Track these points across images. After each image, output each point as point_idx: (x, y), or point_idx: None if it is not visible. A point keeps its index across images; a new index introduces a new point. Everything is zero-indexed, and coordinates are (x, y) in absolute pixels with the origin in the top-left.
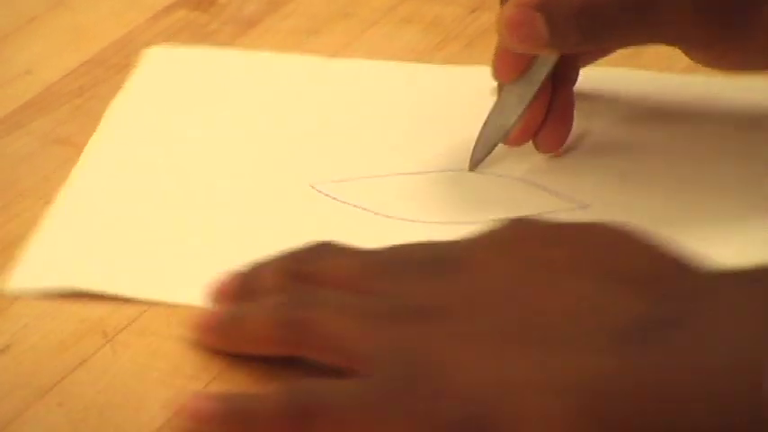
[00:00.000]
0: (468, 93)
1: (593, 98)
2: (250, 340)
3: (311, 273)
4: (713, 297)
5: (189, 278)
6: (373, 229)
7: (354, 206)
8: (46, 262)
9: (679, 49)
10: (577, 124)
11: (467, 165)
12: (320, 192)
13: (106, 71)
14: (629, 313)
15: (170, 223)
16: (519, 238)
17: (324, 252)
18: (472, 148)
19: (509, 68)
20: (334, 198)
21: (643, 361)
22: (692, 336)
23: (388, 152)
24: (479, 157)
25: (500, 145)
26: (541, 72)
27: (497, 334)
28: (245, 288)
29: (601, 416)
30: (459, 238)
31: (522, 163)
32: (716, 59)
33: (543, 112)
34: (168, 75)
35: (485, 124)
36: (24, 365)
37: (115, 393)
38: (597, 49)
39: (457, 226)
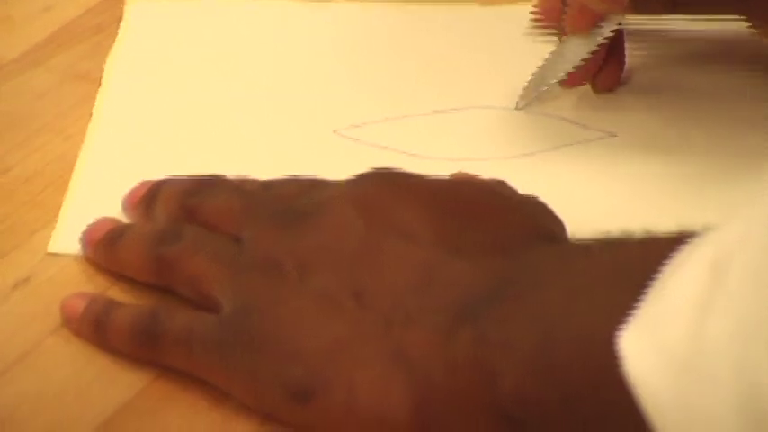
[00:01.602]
0: (489, 34)
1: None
2: (124, 264)
3: (193, 206)
4: (540, 271)
5: None
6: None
7: (383, 147)
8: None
9: (759, 28)
10: None
11: (494, 103)
12: (344, 136)
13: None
14: (464, 291)
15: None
16: (378, 195)
17: (209, 187)
18: (524, 87)
19: (583, 22)
20: (362, 141)
21: (473, 338)
22: (514, 311)
23: (409, 94)
24: (530, 98)
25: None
26: (610, 28)
27: (332, 297)
28: (146, 201)
29: (430, 393)
30: (334, 183)
31: (553, 100)
32: None
33: (602, 56)
34: (165, 27)
35: (542, 66)
36: (43, 297)
37: None
38: None
39: (487, 161)
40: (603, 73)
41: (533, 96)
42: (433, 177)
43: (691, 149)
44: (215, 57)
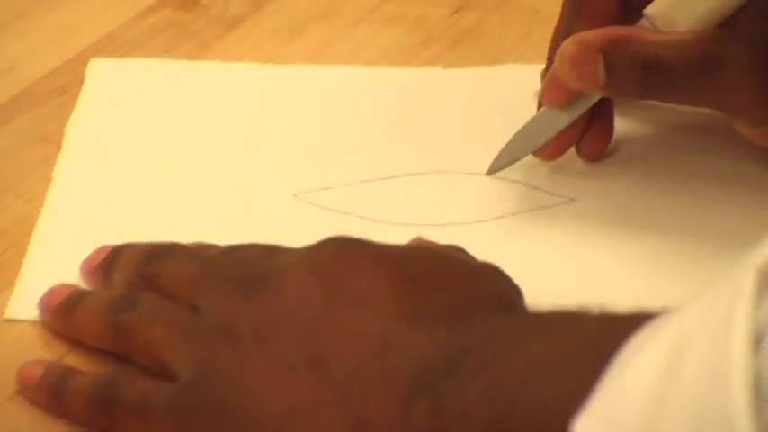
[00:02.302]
0: (449, 96)
1: None
2: (82, 333)
3: (150, 274)
4: (500, 341)
5: None
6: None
7: (344, 213)
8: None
9: (730, 118)
10: None
11: (456, 167)
12: (305, 201)
13: None
14: (422, 360)
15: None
16: (333, 262)
17: (168, 254)
18: (498, 154)
19: (558, 97)
20: (321, 206)
21: (430, 409)
22: (473, 383)
23: (371, 158)
24: (503, 165)
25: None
26: (587, 104)
27: (289, 365)
28: (105, 267)
29: None
30: (292, 250)
31: (524, 165)
32: (763, 137)
33: (582, 130)
34: (127, 89)
35: (517, 134)
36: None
37: None
38: None
39: (445, 227)
40: (589, 140)
41: (506, 164)
42: (391, 245)
43: (658, 221)
44: (175, 120)
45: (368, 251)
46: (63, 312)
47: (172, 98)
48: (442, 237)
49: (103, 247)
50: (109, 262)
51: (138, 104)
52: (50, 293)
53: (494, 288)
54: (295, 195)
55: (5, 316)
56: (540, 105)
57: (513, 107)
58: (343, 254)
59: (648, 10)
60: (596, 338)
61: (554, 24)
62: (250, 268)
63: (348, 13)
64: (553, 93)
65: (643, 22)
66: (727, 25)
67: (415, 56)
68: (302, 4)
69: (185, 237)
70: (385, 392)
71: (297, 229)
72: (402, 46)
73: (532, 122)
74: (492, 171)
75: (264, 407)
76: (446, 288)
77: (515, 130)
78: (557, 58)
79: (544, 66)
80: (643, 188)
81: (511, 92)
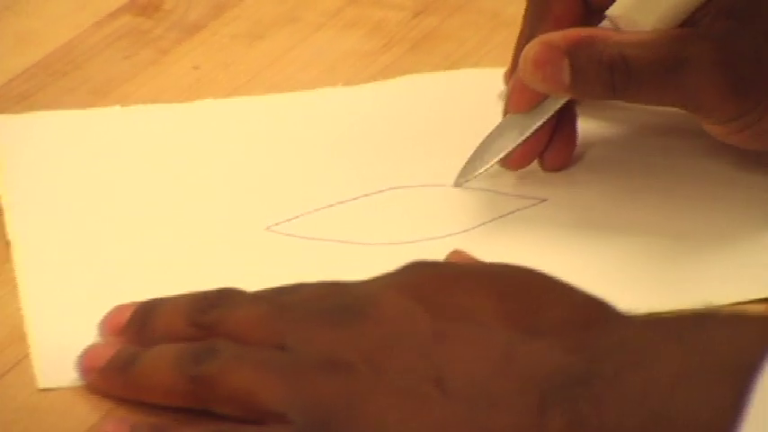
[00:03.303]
0: (403, 107)
1: None
2: (148, 389)
3: (211, 321)
4: (633, 351)
5: None
6: (343, 258)
7: (319, 240)
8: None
9: (697, 116)
10: None
11: (421, 180)
12: (279, 233)
13: (50, 77)
14: (551, 370)
15: (127, 288)
16: (426, 284)
17: (224, 300)
18: (464, 165)
19: (523, 101)
20: (297, 236)
21: (568, 420)
22: (613, 393)
23: (336, 180)
24: (470, 175)
25: None
26: (553, 107)
27: (413, 389)
28: (137, 324)
29: None
30: (366, 280)
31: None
32: (732, 134)
33: (547, 139)
34: (46, 140)
35: (483, 143)
36: None
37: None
38: None
39: (421, 243)
40: (552, 151)
41: (473, 174)
42: (469, 263)
43: (627, 219)
44: (125, 168)
45: (457, 271)
46: (118, 370)
47: (103, 146)
48: (421, 253)
49: (123, 306)
50: (142, 318)
51: (71, 156)
52: (89, 355)
53: (591, 296)
54: (267, 228)
55: (40, 386)
56: (505, 112)
57: (471, 112)
58: (434, 275)
59: (611, 11)
60: (729, 347)
61: (514, 28)
62: (326, 301)
63: (309, 18)
64: (518, 98)
65: (605, 24)
66: (689, 24)
67: (374, 60)
68: (263, 10)
69: (170, 284)
70: (515, 406)
71: (275, 261)
72: (361, 50)
73: (498, 130)
74: (460, 182)
75: None
76: (551, 298)
77: (476, 136)
78: (521, 61)
79: (506, 69)
80: (611, 187)
81: (469, 97)
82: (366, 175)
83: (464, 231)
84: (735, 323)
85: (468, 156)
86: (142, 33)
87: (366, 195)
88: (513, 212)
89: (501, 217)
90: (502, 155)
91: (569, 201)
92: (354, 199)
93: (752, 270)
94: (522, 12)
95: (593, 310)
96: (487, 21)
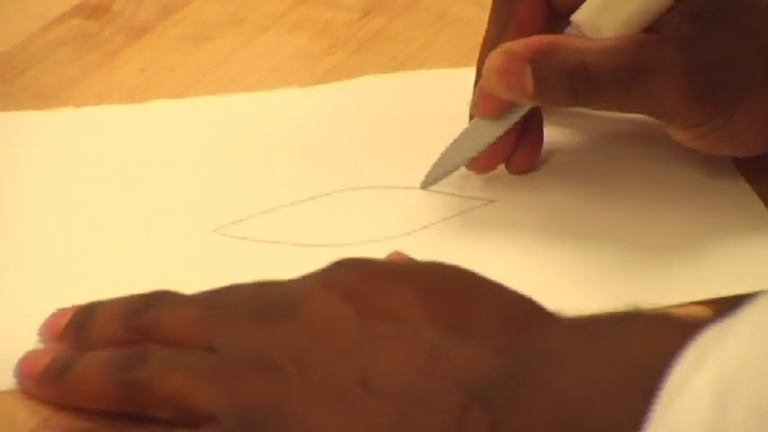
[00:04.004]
0: (348, 109)
1: None
2: (82, 396)
3: (145, 325)
4: (553, 355)
5: None
6: (290, 260)
7: (269, 242)
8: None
9: (662, 122)
10: None
11: (369, 182)
12: (226, 235)
13: None
14: (476, 371)
15: (70, 291)
16: (354, 282)
17: (158, 302)
18: (431, 168)
19: (489, 108)
20: (246, 239)
21: (486, 422)
22: (530, 397)
23: (283, 183)
24: (436, 178)
25: None
26: (518, 113)
27: (340, 389)
28: (75, 328)
29: None
30: (295, 279)
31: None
32: (696, 139)
33: (514, 143)
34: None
35: (450, 147)
36: None
37: None
38: None
39: (366, 245)
40: (518, 155)
41: (439, 177)
42: (401, 262)
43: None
44: (66, 171)
45: (387, 269)
46: (53, 377)
47: (54, 147)
48: (366, 254)
49: (62, 310)
50: (79, 322)
51: (21, 158)
52: (27, 361)
53: (521, 296)
54: (214, 231)
55: None
56: (471, 117)
57: (421, 114)
58: (362, 273)
59: (574, 17)
60: (644, 353)
61: (460, 27)
62: (257, 300)
63: (256, 20)
64: (484, 104)
65: (570, 30)
66: (654, 29)
67: (320, 61)
68: (210, 12)
69: (114, 287)
70: (441, 406)
71: (223, 264)
72: (307, 52)
73: (465, 134)
74: (426, 185)
75: None
76: (479, 298)
77: (425, 138)
78: (485, 70)
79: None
80: (569, 190)
81: (419, 99)
82: (314, 178)
83: (408, 234)
84: (654, 325)
85: (429, 157)
86: (90, 36)
87: (312, 198)
88: (460, 214)
89: (451, 217)
90: (468, 159)
91: (519, 199)
92: (302, 201)
93: (702, 271)
94: (467, 10)
95: (522, 311)
96: (434, 20)
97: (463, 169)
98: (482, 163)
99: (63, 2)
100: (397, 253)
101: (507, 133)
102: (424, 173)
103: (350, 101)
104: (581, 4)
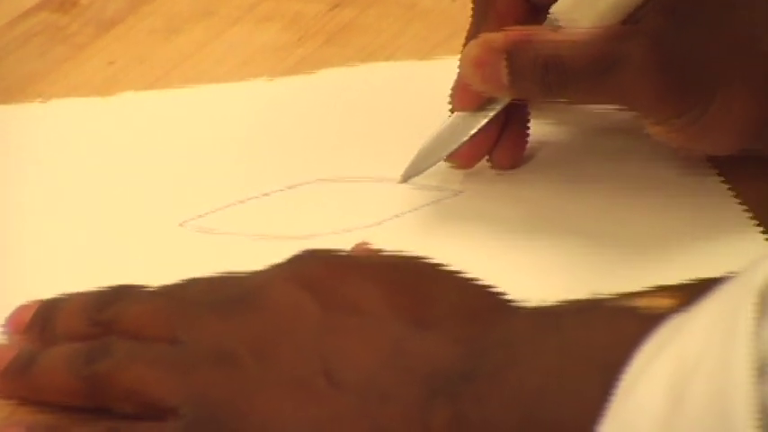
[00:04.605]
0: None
1: None
2: (46, 390)
3: (108, 319)
4: (514, 346)
5: None
6: (257, 253)
7: (234, 234)
8: None
9: (639, 115)
10: None
11: (336, 174)
12: (192, 229)
13: None
14: (438, 363)
15: (35, 286)
16: (316, 274)
17: (122, 297)
18: (410, 161)
19: (467, 100)
20: (213, 232)
21: (450, 415)
22: (491, 390)
23: (248, 175)
24: (416, 172)
25: None
26: (498, 106)
27: (301, 381)
28: (39, 324)
29: None
30: (257, 271)
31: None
32: (670, 133)
33: (495, 136)
34: None
35: (430, 141)
36: None
37: None
38: None
39: (335, 236)
40: (501, 149)
41: (420, 170)
42: (364, 254)
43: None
44: (30, 163)
45: (349, 261)
46: (16, 373)
47: (21, 141)
48: (339, 244)
49: (27, 305)
50: (44, 317)
51: None
52: None
53: (484, 286)
54: (180, 225)
55: None
56: (452, 110)
57: (390, 106)
58: (325, 265)
59: (554, 8)
60: (605, 344)
61: (430, 18)
62: (220, 292)
63: (225, 12)
64: (462, 96)
65: (549, 22)
66: (630, 22)
67: (289, 53)
68: (180, 5)
69: (80, 282)
70: (403, 398)
71: (188, 257)
72: (276, 44)
73: (445, 128)
74: (406, 178)
75: (285, 428)
76: (442, 290)
77: (394, 129)
78: (461, 61)
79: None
80: (538, 183)
81: (389, 90)
82: (283, 170)
83: (378, 224)
84: (616, 316)
85: (398, 148)
86: (58, 30)
87: (281, 190)
88: (430, 204)
89: (418, 209)
90: (448, 152)
91: (486, 193)
92: (268, 194)
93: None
94: (437, 2)
95: (485, 303)
96: (404, 12)
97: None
98: (464, 156)
99: None
100: (361, 245)
101: (488, 126)
102: (394, 163)
103: (318, 93)
104: None
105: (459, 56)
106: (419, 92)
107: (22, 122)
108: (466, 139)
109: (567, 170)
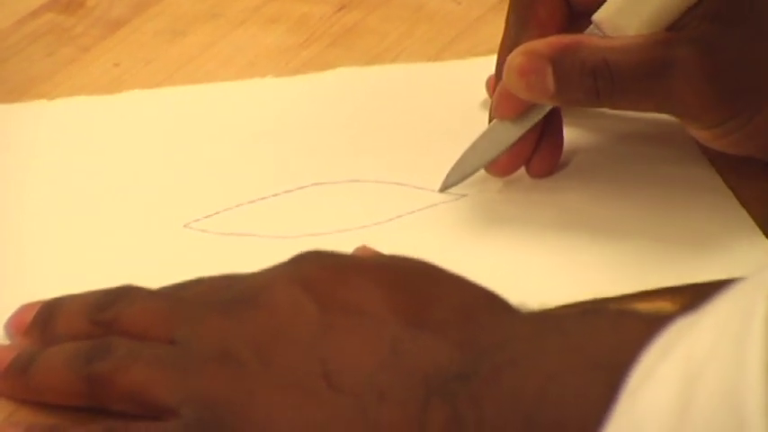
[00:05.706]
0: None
1: None
2: (46, 390)
3: (109, 319)
4: (513, 348)
5: None
6: (261, 253)
7: (239, 235)
8: None
9: (682, 121)
10: None
11: (338, 176)
12: (197, 230)
13: None
14: (436, 365)
15: (39, 286)
16: (316, 274)
17: (123, 297)
18: (450, 168)
19: (509, 108)
20: (217, 233)
21: (448, 416)
22: (489, 391)
23: (256, 177)
24: (455, 180)
25: None
26: (539, 114)
27: (301, 383)
28: (40, 324)
29: None
30: (257, 271)
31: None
32: (717, 139)
33: (534, 145)
34: None
35: (470, 149)
36: None
37: None
38: None
39: (337, 235)
40: (538, 157)
41: (459, 179)
42: (365, 255)
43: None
44: (37, 162)
45: (350, 262)
46: (16, 373)
47: (27, 140)
48: (341, 244)
49: (28, 305)
50: (44, 318)
51: None
52: None
53: (483, 289)
54: (185, 226)
55: None
56: (491, 118)
57: (397, 108)
58: (325, 266)
59: (596, 16)
60: (610, 346)
61: (436, 20)
62: (221, 293)
63: (231, 14)
64: (504, 105)
65: (592, 29)
66: (675, 28)
67: (294, 55)
68: (185, 6)
69: (84, 282)
70: (402, 400)
71: (193, 258)
72: (282, 46)
73: (484, 136)
74: (445, 187)
75: (284, 428)
76: (442, 292)
77: (403, 131)
78: (505, 70)
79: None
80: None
81: (395, 93)
82: (288, 171)
83: (378, 224)
84: (620, 319)
85: (404, 150)
86: (64, 31)
87: (288, 192)
88: (431, 206)
89: (419, 210)
90: (489, 160)
91: (487, 197)
92: (275, 195)
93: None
94: (443, 5)
95: (485, 305)
96: (411, 14)
97: (433, 163)
98: (502, 165)
99: None
100: (363, 247)
101: (527, 135)
102: (398, 165)
103: (324, 94)
104: (601, 3)
105: (464, 59)
106: (424, 94)
107: (27, 121)
108: (507, 147)
109: (569, 172)
